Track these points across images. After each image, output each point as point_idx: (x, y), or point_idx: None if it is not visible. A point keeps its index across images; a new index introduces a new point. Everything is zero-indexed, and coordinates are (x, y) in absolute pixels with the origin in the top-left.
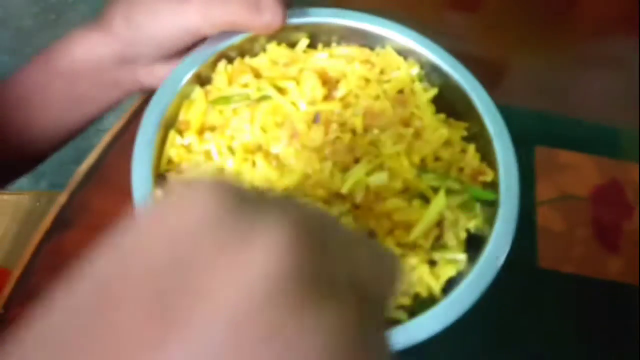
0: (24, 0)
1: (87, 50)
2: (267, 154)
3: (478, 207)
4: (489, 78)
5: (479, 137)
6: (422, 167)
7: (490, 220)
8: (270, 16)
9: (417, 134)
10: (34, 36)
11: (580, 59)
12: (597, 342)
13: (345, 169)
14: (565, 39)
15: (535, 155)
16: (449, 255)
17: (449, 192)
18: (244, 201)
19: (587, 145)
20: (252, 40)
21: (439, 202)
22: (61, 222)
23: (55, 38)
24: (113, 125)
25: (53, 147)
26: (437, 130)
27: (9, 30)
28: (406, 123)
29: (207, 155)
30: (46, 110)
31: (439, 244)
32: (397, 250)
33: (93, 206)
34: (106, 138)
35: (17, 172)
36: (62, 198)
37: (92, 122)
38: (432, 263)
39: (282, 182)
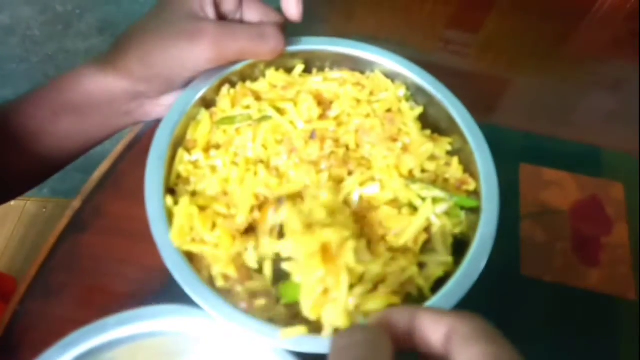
0: (31, 10)
1: (100, 87)
2: (268, 165)
3: (463, 214)
4: (483, 96)
5: (461, 151)
6: (410, 179)
7: (473, 227)
8: (274, 43)
9: (405, 149)
10: (41, 45)
11: (570, 82)
12: (574, 346)
13: (340, 181)
14: (559, 63)
15: (520, 171)
16: (437, 258)
17: (435, 200)
18: None
19: (569, 164)
20: (252, 66)
21: (426, 209)
22: (76, 225)
23: (62, 48)
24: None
25: (57, 168)
26: (423, 145)
27: (16, 38)
28: (394, 139)
29: (213, 170)
30: (55, 138)
31: (427, 248)
32: (389, 255)
33: (106, 211)
34: (119, 147)
35: (18, 190)
36: (77, 203)
37: (96, 146)
38: (422, 265)
39: (282, 189)
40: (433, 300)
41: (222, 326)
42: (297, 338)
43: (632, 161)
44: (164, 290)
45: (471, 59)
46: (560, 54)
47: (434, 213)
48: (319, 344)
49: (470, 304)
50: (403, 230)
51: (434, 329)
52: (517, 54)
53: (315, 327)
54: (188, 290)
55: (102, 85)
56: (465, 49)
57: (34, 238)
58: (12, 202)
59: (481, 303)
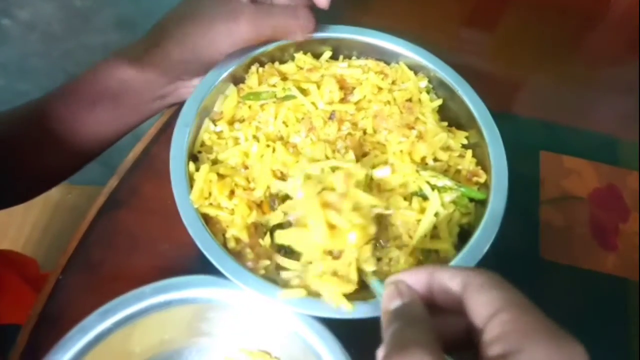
0: (51, 6)
1: (136, 73)
2: (286, 143)
3: (472, 206)
4: (501, 91)
5: (477, 146)
6: (422, 165)
7: (481, 218)
8: (304, 21)
9: (420, 137)
10: (61, 40)
11: (588, 78)
12: (589, 326)
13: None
14: (576, 59)
15: (541, 159)
16: (437, 245)
17: (444, 189)
18: None
19: (588, 153)
20: (283, 49)
21: (433, 207)
22: (113, 203)
23: (81, 43)
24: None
25: (92, 156)
26: (437, 135)
27: (36, 34)
28: (411, 127)
29: (235, 141)
30: (91, 126)
31: (433, 234)
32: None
33: (142, 190)
34: (152, 130)
35: (54, 181)
36: (113, 182)
37: (132, 130)
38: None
39: (297, 168)
40: None
41: (234, 286)
42: (299, 300)
43: None
44: (195, 264)
45: (488, 56)
46: (575, 53)
47: (442, 203)
48: (318, 307)
49: None
50: (412, 229)
51: (451, 281)
52: (533, 52)
53: (313, 292)
54: (200, 245)
55: (137, 70)
56: (480, 47)
57: (59, 225)
58: None
59: None
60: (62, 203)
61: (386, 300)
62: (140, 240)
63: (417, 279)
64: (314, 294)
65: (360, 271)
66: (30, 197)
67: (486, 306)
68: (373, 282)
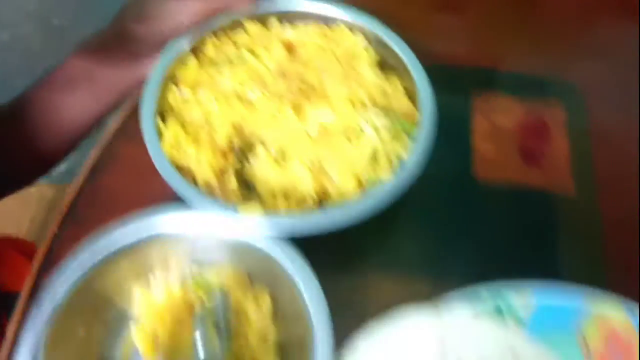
0: (31, 25)
1: (105, 57)
2: (242, 100)
3: (409, 140)
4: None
5: (411, 90)
6: (363, 109)
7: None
8: None
9: (360, 84)
10: (42, 59)
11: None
12: (519, 236)
13: (302, 110)
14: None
15: (473, 97)
16: (377, 172)
17: (381, 126)
18: None
19: (518, 91)
20: (236, 23)
21: (371, 136)
22: (98, 168)
23: (61, 61)
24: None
25: (80, 135)
26: (373, 82)
27: (16, 53)
28: (351, 77)
29: (198, 103)
30: (70, 106)
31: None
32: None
33: (122, 155)
34: (130, 105)
35: (41, 171)
36: (96, 152)
37: (113, 109)
38: None
39: (253, 120)
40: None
41: (204, 217)
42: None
43: (572, 85)
44: None
45: (459, 41)
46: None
47: (380, 137)
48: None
49: (430, 206)
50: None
51: None
52: (504, 33)
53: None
54: (172, 183)
55: (105, 50)
56: (452, 31)
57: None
58: (32, 189)
59: (440, 205)
60: (55, 201)
61: None
62: (121, 198)
63: None
64: (271, 213)
65: None
66: (22, 186)
67: None
68: None
